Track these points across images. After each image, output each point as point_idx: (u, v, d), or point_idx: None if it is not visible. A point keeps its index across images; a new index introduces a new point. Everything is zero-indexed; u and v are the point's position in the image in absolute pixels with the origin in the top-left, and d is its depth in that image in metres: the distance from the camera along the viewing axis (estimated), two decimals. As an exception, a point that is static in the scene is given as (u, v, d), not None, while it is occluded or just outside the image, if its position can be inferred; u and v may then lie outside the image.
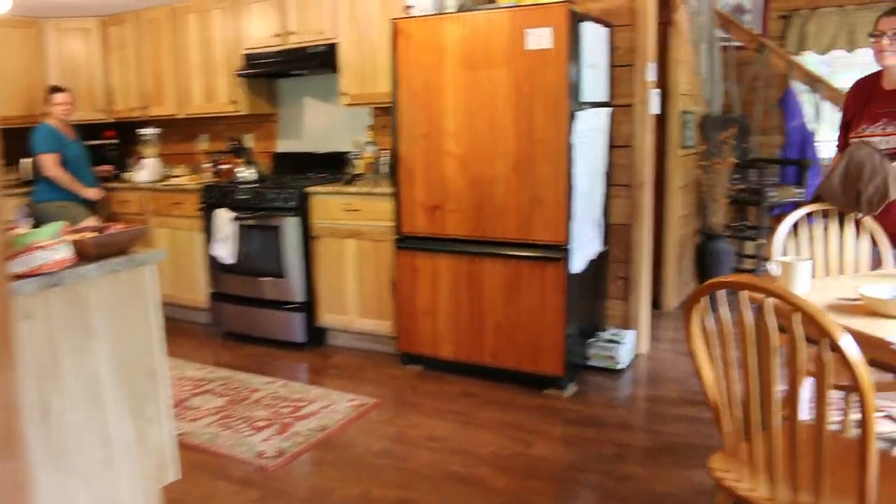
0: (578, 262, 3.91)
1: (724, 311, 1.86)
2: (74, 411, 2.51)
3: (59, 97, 5.36)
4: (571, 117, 3.68)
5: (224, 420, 3.83)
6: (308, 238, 4.79)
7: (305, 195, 4.75)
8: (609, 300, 4.53)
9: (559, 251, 3.79)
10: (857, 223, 3.01)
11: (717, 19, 5.88)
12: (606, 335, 4.32)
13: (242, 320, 5.11)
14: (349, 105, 4.86)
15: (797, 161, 5.85)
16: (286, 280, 4.86)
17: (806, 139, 6.03)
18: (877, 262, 3.00)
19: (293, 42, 4.99)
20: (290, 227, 4.76)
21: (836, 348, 1.59)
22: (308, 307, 4.87)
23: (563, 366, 3.89)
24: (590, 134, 3.93)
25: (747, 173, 5.84)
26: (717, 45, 5.78)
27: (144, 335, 2.79)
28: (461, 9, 3.96)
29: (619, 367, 4.22)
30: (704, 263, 5.29)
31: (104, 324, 2.62)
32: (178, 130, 6.25)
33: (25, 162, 5.66)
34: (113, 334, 2.66)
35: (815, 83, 5.94)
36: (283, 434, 3.61)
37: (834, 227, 3.04)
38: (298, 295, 4.84)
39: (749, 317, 1.78)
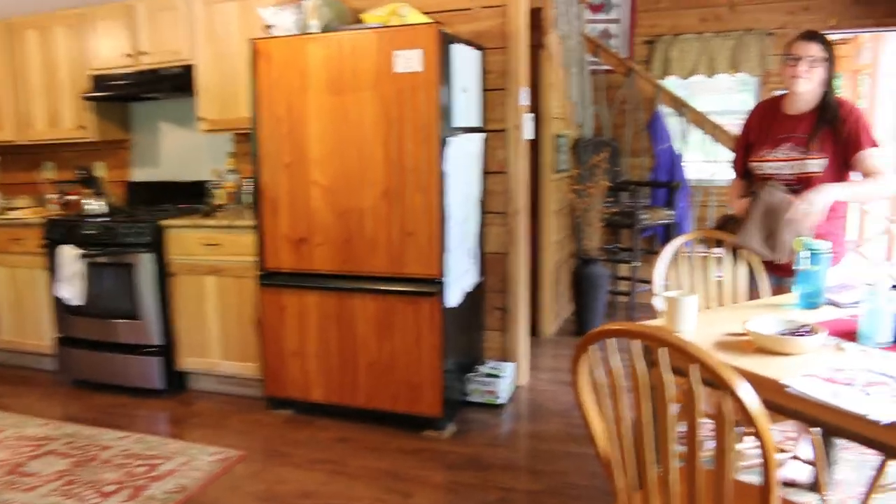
0: (454, 295, 3.74)
1: (615, 360, 1.70)
2: None
3: None
4: (443, 143, 3.51)
5: (66, 487, 3.40)
6: (164, 276, 4.41)
7: (160, 229, 4.38)
8: (487, 332, 4.38)
9: (433, 285, 3.61)
10: (735, 250, 2.98)
11: (586, 44, 5.91)
12: (486, 369, 4.16)
13: (93, 367, 4.65)
14: (208, 131, 4.53)
15: (667, 183, 5.94)
16: (141, 322, 4.45)
17: (674, 161, 6.13)
18: (755, 292, 2.98)
19: (146, 63, 4.62)
20: (144, 265, 4.37)
21: (736, 399, 1.45)
22: (167, 350, 4.48)
23: (441, 405, 3.69)
24: (463, 160, 3.78)
25: (619, 196, 5.87)
26: (586, 70, 5.80)
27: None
28: (325, 29, 3.74)
29: (499, 401, 4.06)
30: (581, 287, 5.24)
31: None
32: (19, 158, 5.70)
33: None
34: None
35: (681, 107, 6.05)
36: (136, 499, 3.23)
37: (712, 255, 3.00)
38: (155, 337, 4.44)
39: (642, 368, 1.64)
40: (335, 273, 3.82)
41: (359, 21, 3.78)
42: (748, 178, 3.16)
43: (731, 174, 3.31)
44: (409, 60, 3.47)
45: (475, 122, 4.00)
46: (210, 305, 4.34)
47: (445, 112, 3.53)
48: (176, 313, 4.44)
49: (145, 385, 4.50)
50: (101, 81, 4.80)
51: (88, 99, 4.83)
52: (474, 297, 4.09)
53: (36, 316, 4.97)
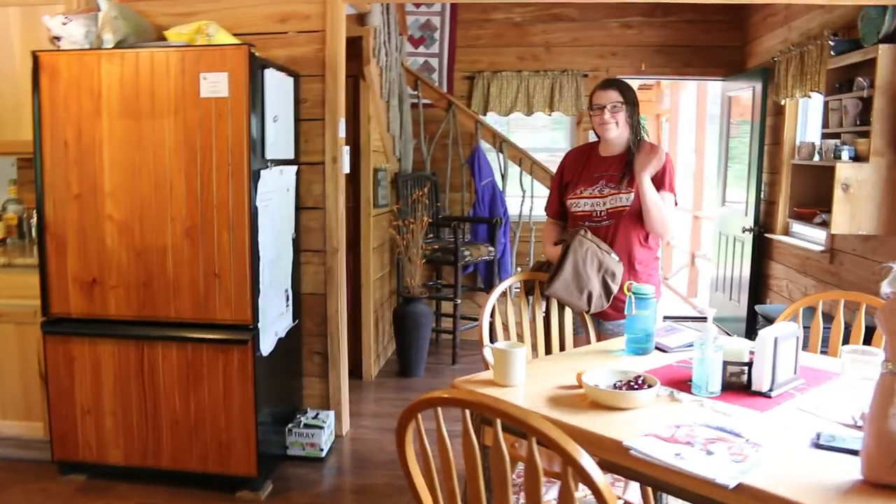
0: (268, 342, 3.44)
1: (443, 429, 1.51)
2: None
3: None
4: (254, 176, 3.23)
5: None
6: (-76, 322, 3.77)
7: (-80, 268, 3.75)
8: (306, 378, 4.09)
9: (245, 332, 3.29)
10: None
11: (406, 76, 5.81)
12: (306, 419, 3.87)
13: None
14: (-20, 156, 3.96)
15: (488, 219, 5.92)
16: None
17: (495, 197, 6.14)
18: (583, 339, 2.96)
19: None
20: None
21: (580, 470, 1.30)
22: (-73, 410, 3.82)
23: (257, 463, 3.36)
24: (275, 195, 3.50)
25: (441, 231, 5.78)
26: (407, 102, 5.70)
27: None
28: (121, 45, 3.35)
29: (321, 454, 3.77)
30: (403, 326, 5.08)
31: None
32: None
33: None
34: None
35: (501, 142, 6.09)
36: None
37: (537, 301, 2.92)
38: (-89, 395, 3.78)
39: (475, 442, 1.46)
40: (133, 319, 3.40)
41: (162, 39, 3.42)
42: (562, 221, 3.24)
43: (546, 216, 3.35)
44: (216, 84, 3.16)
45: (288, 153, 3.74)
46: (-18, 356, 3.76)
47: (256, 142, 3.25)
48: (-61, 367, 3.81)
49: None
50: None
51: None
52: (290, 342, 3.80)
53: None
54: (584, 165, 3.16)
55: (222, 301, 3.29)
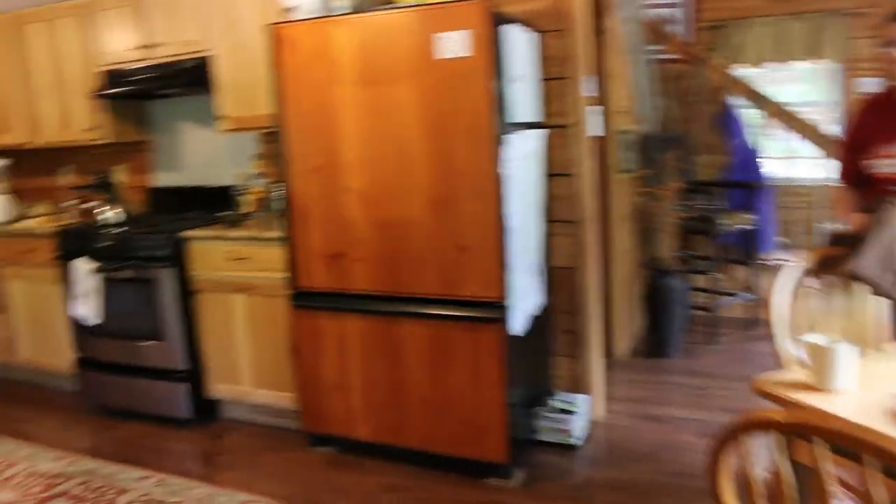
0: (519, 320, 3.19)
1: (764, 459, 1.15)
2: None
3: None
4: (500, 142, 2.96)
5: (72, 544, 2.95)
6: (188, 293, 3.94)
7: (181, 241, 3.90)
8: (556, 358, 3.81)
9: (495, 309, 3.06)
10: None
11: (645, 30, 5.31)
12: (557, 402, 3.60)
13: (115, 392, 4.20)
14: (229, 130, 4.04)
15: (749, 183, 5.29)
16: (165, 344, 3.98)
17: (750, 158, 5.49)
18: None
19: (160, 56, 4.14)
20: (165, 281, 3.90)
21: None
22: (194, 376, 4.00)
23: (507, 449, 3.15)
24: (522, 162, 3.23)
25: (692, 198, 5.26)
26: (647, 58, 5.20)
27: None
28: (355, 10, 3.20)
29: (574, 441, 3.49)
30: (656, 302, 4.65)
31: None
32: (38, 161, 5.28)
33: None
34: None
35: (755, 98, 5.41)
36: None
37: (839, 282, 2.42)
38: (181, 361, 3.97)
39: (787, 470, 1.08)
40: (379, 294, 3.30)
41: (392, 1, 3.24)
42: (859, 186, 2.76)
43: (838, 182, 2.88)
44: (454, 44, 2.92)
45: (533, 116, 3.45)
46: (239, 327, 3.86)
47: (500, 105, 2.98)
48: (202, 335, 3.97)
49: (171, 414, 4.04)
50: (112, 77, 4.34)
51: (99, 97, 4.36)
52: (540, 320, 3.54)
53: (54, 334, 4.54)
54: (880, 119, 2.69)
55: (470, 276, 3.08)
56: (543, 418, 3.54)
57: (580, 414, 3.54)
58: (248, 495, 3.23)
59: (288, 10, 3.34)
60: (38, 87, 4.66)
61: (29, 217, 4.86)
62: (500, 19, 3.00)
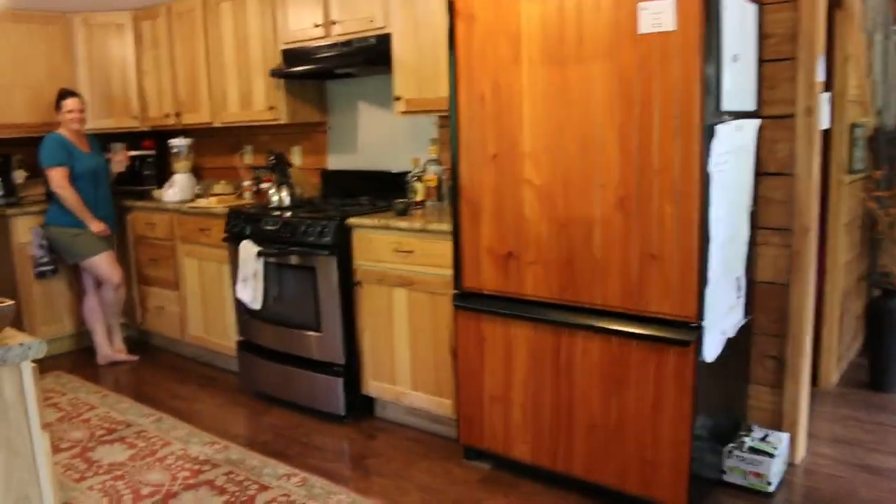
0: (713, 343, 2.69)
1: None
2: None
3: (67, 103, 4.53)
4: (708, 133, 2.47)
5: (209, 542, 2.80)
6: (350, 283, 3.72)
7: (346, 228, 3.69)
8: (752, 385, 3.26)
9: (686, 330, 2.58)
10: None
11: (891, 4, 4.50)
12: (751, 440, 3.06)
13: (273, 379, 4.09)
14: (405, 113, 3.77)
15: None
16: (322, 336, 3.81)
17: None
18: None
19: (337, 34, 3.94)
20: (327, 269, 3.71)
21: None
22: (350, 371, 3.80)
23: (687, 491, 2.67)
24: (730, 157, 2.70)
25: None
26: (893, 38, 4.41)
27: (14, 473, 1.78)
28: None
29: (768, 489, 2.95)
30: (879, 324, 3.92)
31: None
32: (222, 140, 5.32)
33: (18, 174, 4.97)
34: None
35: None
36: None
37: None
38: (337, 355, 3.78)
39: None
40: (551, 302, 2.90)
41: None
42: None
43: None
44: (658, 16, 2.45)
45: (748, 104, 2.90)
46: (399, 324, 3.60)
47: (710, 89, 2.47)
48: (361, 329, 3.75)
49: (325, 408, 3.86)
50: (291, 57, 4.20)
51: (276, 76, 4.25)
52: (738, 342, 3.00)
53: (222, 314, 4.53)
54: None
55: (659, 290, 2.62)
56: (732, 456, 3.01)
57: (778, 457, 2.97)
58: (393, 510, 2.96)
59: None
60: (223, 67, 4.63)
61: (207, 196, 4.87)
62: (714, -14, 2.50)
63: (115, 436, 3.77)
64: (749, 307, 3.09)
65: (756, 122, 2.96)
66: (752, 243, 3.06)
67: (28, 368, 1.80)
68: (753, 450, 3.01)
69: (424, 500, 3.04)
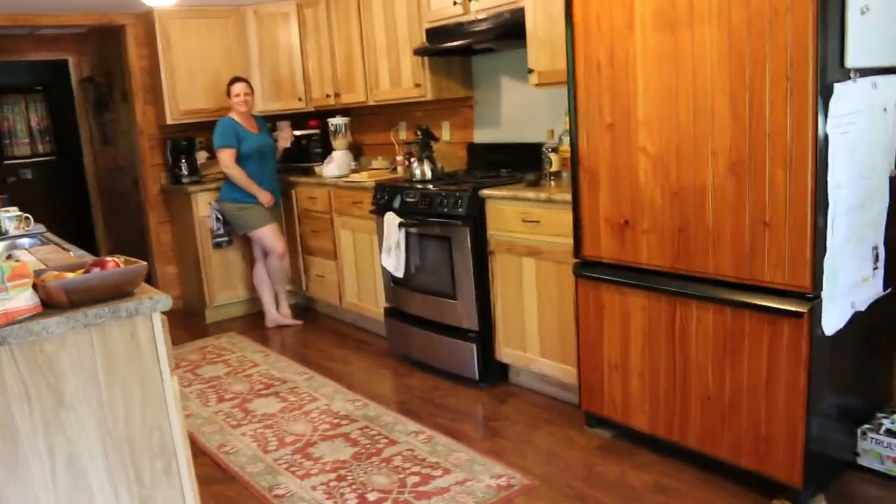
0: (835, 317, 2.55)
1: None
2: None
3: (235, 88, 4.97)
4: (824, 93, 2.34)
5: (335, 483, 3.07)
6: (483, 253, 3.84)
7: (480, 199, 3.81)
8: None
9: (801, 301, 2.47)
10: None
11: None
12: (891, 422, 2.87)
13: (415, 343, 4.32)
14: (538, 85, 3.80)
15: None
16: (458, 303, 3.96)
17: None
18: None
19: (475, 10, 4.04)
20: (462, 239, 3.85)
21: None
22: (484, 337, 3.93)
23: (802, 471, 2.56)
24: (861, 118, 2.53)
25: None
26: None
27: (148, 406, 2.05)
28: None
29: (906, 475, 2.77)
30: None
31: (83, 392, 1.93)
32: (379, 118, 5.61)
33: (200, 155, 5.48)
34: (97, 405, 1.95)
35: None
36: (388, 522, 2.74)
37: None
38: (472, 322, 3.92)
39: None
40: (665, 271, 2.87)
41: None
42: None
43: None
44: (771, -31, 2.34)
45: (890, 58, 2.69)
46: (528, 292, 3.68)
47: (828, 45, 2.33)
48: (494, 298, 3.86)
49: (461, 372, 4.03)
50: (433, 35, 4.35)
51: (419, 55, 4.42)
52: (875, 317, 2.81)
53: (372, 282, 4.81)
54: None
55: (772, 258, 2.52)
56: (866, 438, 2.84)
57: (922, 443, 2.78)
58: (505, 468, 3.06)
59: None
60: (374, 48, 4.87)
61: (361, 171, 5.16)
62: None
63: (270, 390, 4.14)
64: (890, 279, 2.88)
65: (904, 79, 2.73)
66: (893, 211, 2.84)
67: (158, 318, 2.07)
68: (892, 432, 2.82)
69: (539, 462, 3.12)
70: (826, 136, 2.36)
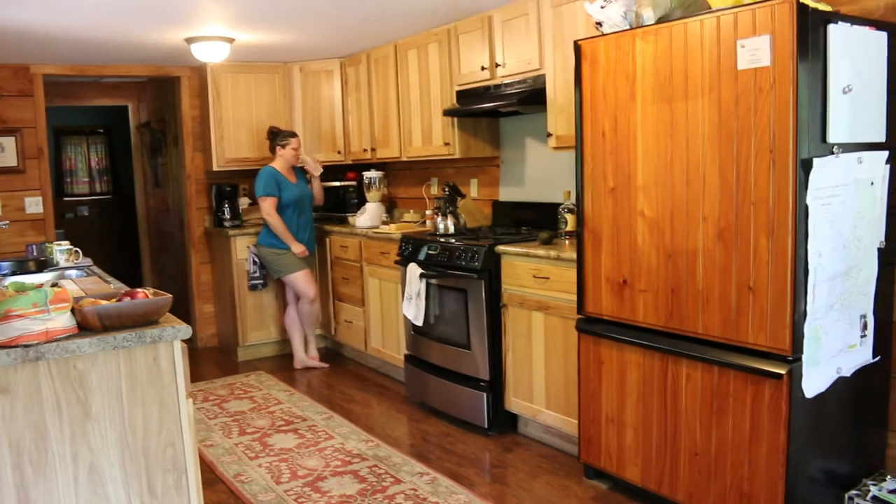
0: (816, 380, 2.67)
1: None
2: (61, 504, 2.08)
3: (293, 141, 5.30)
4: (803, 167, 2.51)
5: (337, 519, 3.22)
6: (496, 306, 4.03)
7: (495, 255, 4.01)
8: (892, 433, 3.12)
9: (779, 363, 2.60)
10: None
11: None
12: (878, 490, 2.94)
13: (432, 391, 4.49)
14: (556, 148, 4.03)
15: None
16: (471, 353, 4.14)
17: None
18: None
19: (501, 75, 4.30)
20: (478, 292, 4.04)
21: None
22: (494, 387, 4.09)
23: (783, 529, 2.66)
24: (843, 191, 2.69)
25: None
26: None
27: (164, 424, 2.26)
28: (663, 20, 2.96)
29: (891, 544, 2.84)
30: None
31: (107, 407, 2.16)
32: (413, 173, 5.89)
33: (242, 201, 5.81)
34: (119, 420, 2.17)
35: None
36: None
37: None
38: (483, 372, 4.09)
39: None
40: (659, 329, 3.03)
41: (708, 7, 2.92)
42: None
43: None
44: (755, 52, 2.54)
45: (873, 135, 2.85)
46: (536, 345, 3.84)
47: (808, 122, 2.51)
48: (505, 349, 4.04)
49: (473, 420, 4.18)
50: (462, 97, 4.62)
51: (448, 115, 4.68)
52: (863, 383, 2.91)
53: (395, 329, 5.01)
54: None
55: (756, 321, 2.67)
56: (852, 504, 2.92)
57: (904, 510, 2.85)
58: (505, 515, 3.20)
59: (597, 24, 3.23)
60: (409, 107, 5.16)
61: (393, 223, 5.42)
62: (823, 18, 2.55)
63: (290, 427, 4.34)
64: (880, 347, 2.99)
65: (884, 155, 2.89)
66: (887, 281, 2.97)
67: (178, 346, 2.30)
68: (879, 500, 2.90)
69: (535, 508, 3.25)
70: (806, 207, 2.53)
